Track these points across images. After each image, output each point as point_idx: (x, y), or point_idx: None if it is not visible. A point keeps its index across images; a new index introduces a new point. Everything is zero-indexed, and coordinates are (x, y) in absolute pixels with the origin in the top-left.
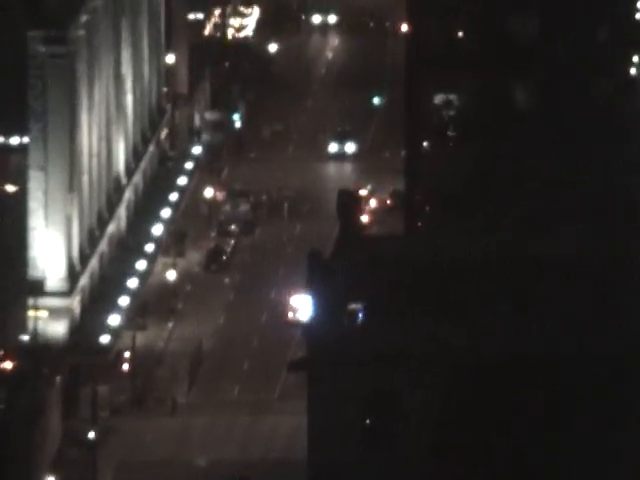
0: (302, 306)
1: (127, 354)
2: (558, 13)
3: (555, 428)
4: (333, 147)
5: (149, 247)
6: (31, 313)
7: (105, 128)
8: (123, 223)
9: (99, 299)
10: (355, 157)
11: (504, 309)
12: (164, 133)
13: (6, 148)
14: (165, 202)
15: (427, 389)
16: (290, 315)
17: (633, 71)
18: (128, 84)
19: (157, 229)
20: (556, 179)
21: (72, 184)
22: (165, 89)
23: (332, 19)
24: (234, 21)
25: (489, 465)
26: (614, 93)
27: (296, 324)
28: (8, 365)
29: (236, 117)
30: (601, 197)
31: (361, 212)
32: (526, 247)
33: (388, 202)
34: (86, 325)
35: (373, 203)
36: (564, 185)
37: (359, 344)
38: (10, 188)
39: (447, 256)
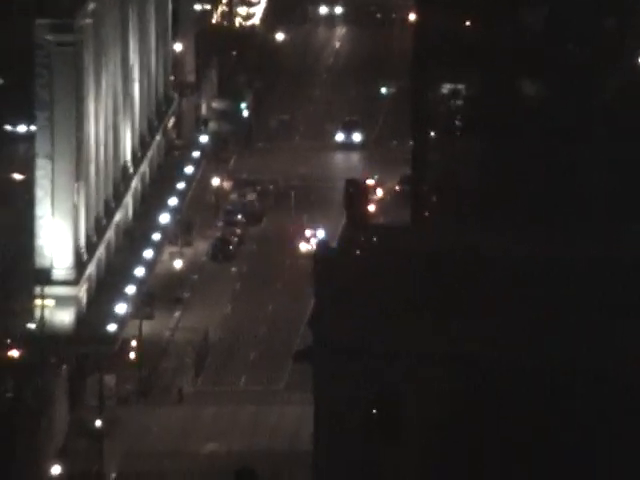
0: (316, 237)
1: (133, 343)
2: (566, 3)
3: (564, 438)
4: (340, 137)
5: (156, 236)
6: (38, 302)
7: (112, 117)
8: (130, 212)
9: (106, 288)
10: (362, 147)
11: (518, 311)
12: (171, 122)
13: (13, 136)
14: (172, 191)
15: (433, 388)
16: (303, 246)
17: None
18: (135, 73)
19: (164, 218)
20: (559, 176)
21: (79, 173)
22: (172, 78)
23: (339, 10)
24: (241, 10)
25: (492, 469)
26: (623, 86)
27: (309, 254)
28: (15, 354)
29: (243, 106)
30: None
31: (368, 202)
32: (537, 246)
33: (397, 188)
34: (93, 314)
35: (380, 193)
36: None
37: (364, 338)
38: (17, 176)
39: (458, 250)
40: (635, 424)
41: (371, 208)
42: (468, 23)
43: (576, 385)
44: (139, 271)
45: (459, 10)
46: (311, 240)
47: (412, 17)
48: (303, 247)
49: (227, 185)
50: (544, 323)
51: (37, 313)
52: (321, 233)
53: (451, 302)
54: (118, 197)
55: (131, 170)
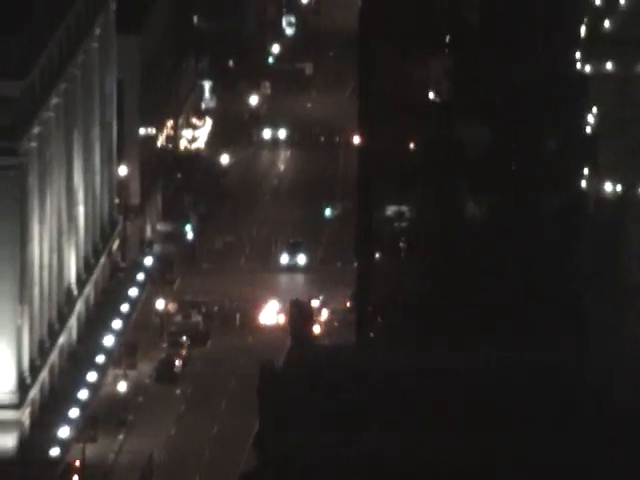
0: (271, 312)
1: (77, 465)
2: (508, 124)
3: None
4: (285, 258)
5: (100, 358)
6: None
7: (56, 239)
8: (74, 334)
9: (49, 411)
10: (307, 268)
11: (461, 426)
12: (116, 244)
13: None
14: (116, 313)
15: None
16: (260, 319)
17: (584, 184)
18: (80, 195)
19: (108, 340)
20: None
21: (23, 296)
22: (117, 200)
23: (282, 134)
24: (186, 132)
25: None
26: (565, 206)
27: (265, 327)
28: None
29: (188, 228)
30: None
31: (313, 322)
32: (465, 360)
33: (348, 304)
34: (36, 438)
35: (325, 314)
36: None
37: (309, 456)
38: None
39: (397, 368)
40: None
41: (316, 329)
42: (411, 145)
43: None
44: (83, 394)
45: (401, 133)
46: (272, 313)
47: (356, 140)
48: (263, 320)
49: (172, 307)
50: (487, 436)
51: None
52: (276, 305)
53: (394, 417)
54: (62, 320)
55: (75, 293)
